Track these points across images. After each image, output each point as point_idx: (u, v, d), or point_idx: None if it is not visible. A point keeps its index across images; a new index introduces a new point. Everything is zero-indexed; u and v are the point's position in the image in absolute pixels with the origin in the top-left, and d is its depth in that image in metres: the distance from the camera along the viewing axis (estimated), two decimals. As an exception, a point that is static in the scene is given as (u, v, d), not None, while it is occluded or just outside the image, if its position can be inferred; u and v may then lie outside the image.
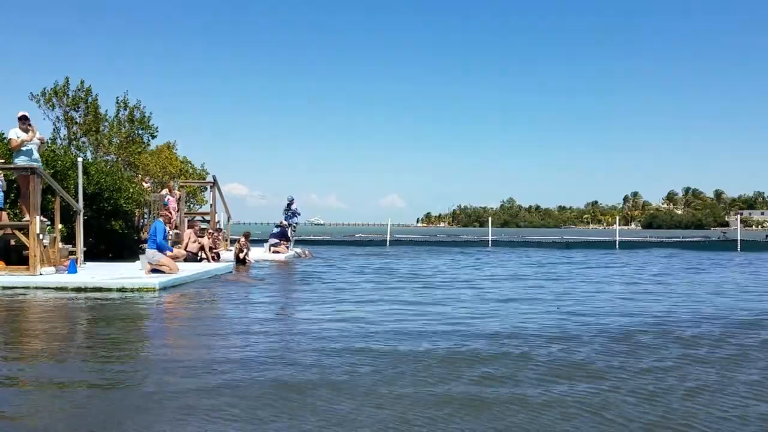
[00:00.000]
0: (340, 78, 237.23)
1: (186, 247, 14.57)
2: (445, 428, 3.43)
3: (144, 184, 19.05)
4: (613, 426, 3.49)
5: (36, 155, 11.42)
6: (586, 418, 3.60)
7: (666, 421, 3.57)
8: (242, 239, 16.04)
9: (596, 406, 3.82)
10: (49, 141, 17.40)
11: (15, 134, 11.20)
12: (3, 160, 12.11)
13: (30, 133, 11.29)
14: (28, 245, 10.58)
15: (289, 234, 20.21)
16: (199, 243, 14.78)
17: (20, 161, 11.12)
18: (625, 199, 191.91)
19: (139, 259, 12.15)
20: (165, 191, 18.27)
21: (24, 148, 11.18)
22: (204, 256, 14.67)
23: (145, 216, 17.91)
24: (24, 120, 11.32)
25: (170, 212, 16.74)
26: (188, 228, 15.48)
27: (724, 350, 5.52)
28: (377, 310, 7.90)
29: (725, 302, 8.98)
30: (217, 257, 15.05)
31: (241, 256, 15.72)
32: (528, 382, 4.35)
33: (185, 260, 13.73)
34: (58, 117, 22.60)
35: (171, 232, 14.57)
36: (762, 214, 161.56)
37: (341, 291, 10.11)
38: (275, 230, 19.83)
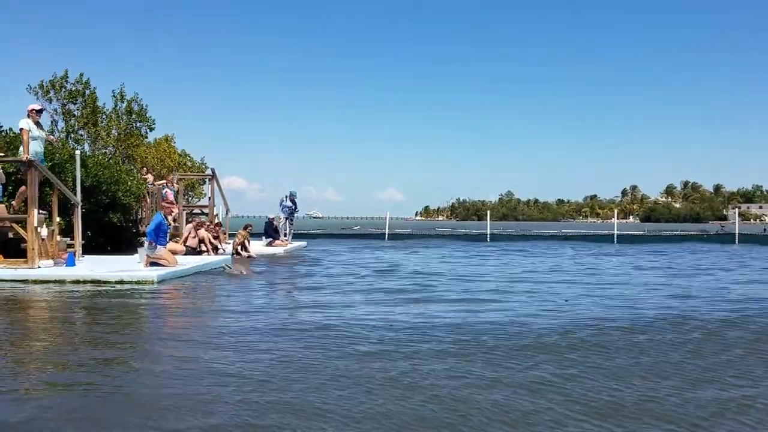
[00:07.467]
0: (338, 71, 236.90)
1: (185, 242, 14.56)
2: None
3: (149, 176, 18.97)
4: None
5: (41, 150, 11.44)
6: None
7: None
8: (242, 232, 16.01)
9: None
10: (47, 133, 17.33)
11: (27, 124, 11.08)
12: (2, 153, 12.06)
13: (41, 132, 11.38)
14: (26, 238, 10.56)
15: (286, 227, 20.31)
16: (199, 237, 14.77)
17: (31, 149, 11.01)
18: (624, 192, 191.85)
19: (137, 252, 12.14)
20: (163, 183, 18.23)
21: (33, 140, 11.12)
22: (205, 249, 14.68)
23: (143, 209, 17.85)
24: (39, 113, 11.37)
25: (171, 204, 16.70)
26: (188, 223, 15.48)
27: None
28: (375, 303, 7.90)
29: None
30: (215, 250, 15.03)
31: (240, 249, 15.70)
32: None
33: (186, 254, 13.73)
34: (55, 110, 22.56)
35: (170, 226, 14.53)
36: (760, 207, 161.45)
37: (340, 284, 10.10)
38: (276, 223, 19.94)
